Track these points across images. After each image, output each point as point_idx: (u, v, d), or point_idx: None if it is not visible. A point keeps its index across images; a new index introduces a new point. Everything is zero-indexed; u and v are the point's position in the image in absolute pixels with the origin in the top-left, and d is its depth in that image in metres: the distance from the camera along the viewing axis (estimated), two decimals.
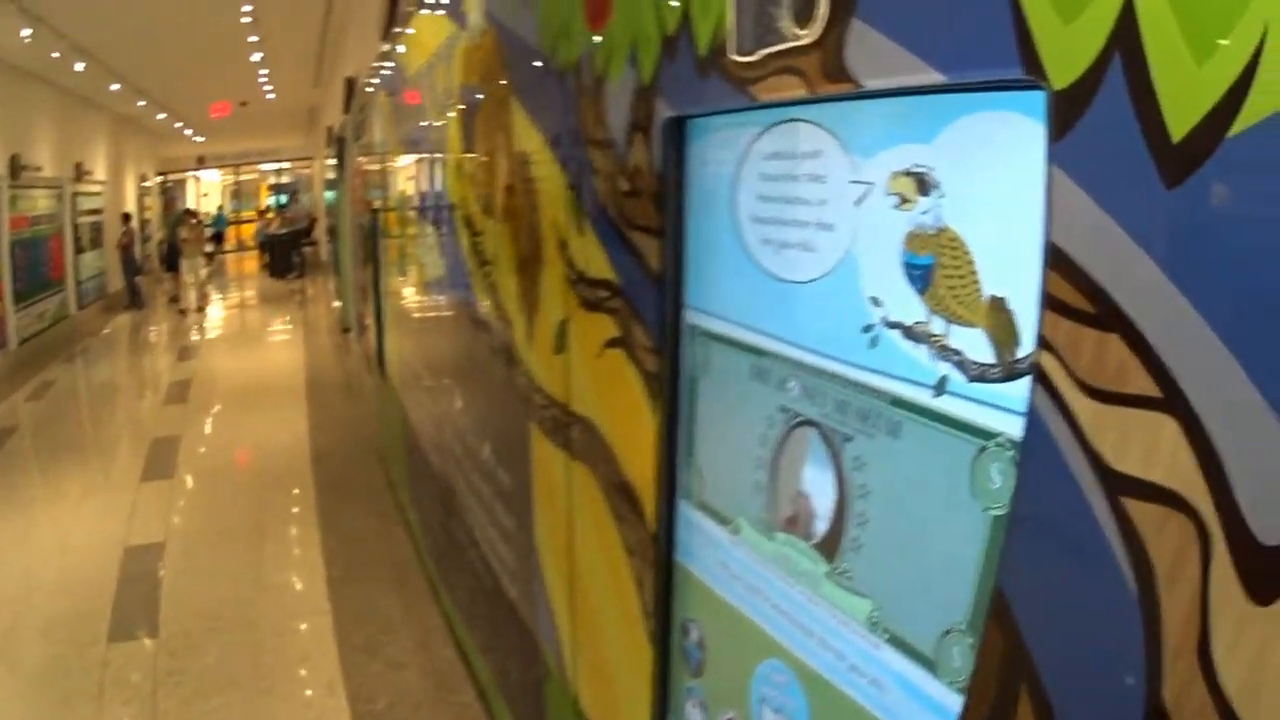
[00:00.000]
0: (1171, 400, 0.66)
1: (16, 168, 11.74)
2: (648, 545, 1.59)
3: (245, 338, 14.31)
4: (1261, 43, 0.59)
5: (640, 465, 1.60)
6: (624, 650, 1.77)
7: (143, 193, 22.82)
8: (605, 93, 1.67)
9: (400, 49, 4.56)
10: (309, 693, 3.65)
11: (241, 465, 7.21)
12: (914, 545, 1.01)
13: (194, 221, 18.73)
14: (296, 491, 6.15)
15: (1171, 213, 0.66)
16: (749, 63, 1.17)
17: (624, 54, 1.56)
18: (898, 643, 1.04)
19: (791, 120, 1.17)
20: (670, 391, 1.50)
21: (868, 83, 0.96)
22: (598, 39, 1.68)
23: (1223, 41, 0.62)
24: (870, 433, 1.05)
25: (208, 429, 8.38)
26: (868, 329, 1.04)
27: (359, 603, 4.33)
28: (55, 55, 11.14)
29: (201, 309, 16.22)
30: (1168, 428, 0.66)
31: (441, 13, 3.36)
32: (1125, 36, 0.69)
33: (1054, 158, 0.75)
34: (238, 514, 5.79)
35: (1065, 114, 0.74)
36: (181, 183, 29.65)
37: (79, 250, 15.20)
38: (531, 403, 2.26)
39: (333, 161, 13.08)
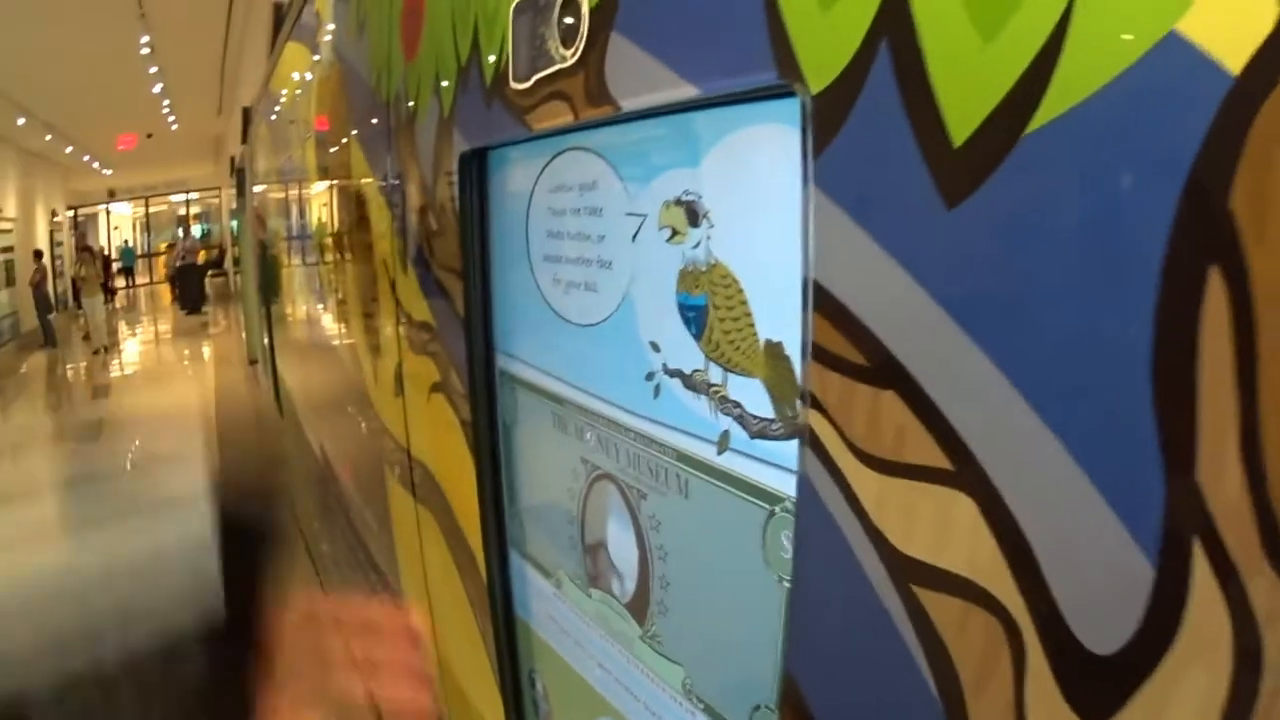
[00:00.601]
0: (964, 473, 0.46)
1: None
2: (483, 596, 1.37)
3: (158, 373, 13.39)
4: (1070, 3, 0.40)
5: (470, 516, 1.38)
6: (481, 699, 1.54)
7: (54, 229, 21.23)
8: (416, 126, 1.44)
9: (275, 81, 4.25)
10: None
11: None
12: (716, 613, 0.81)
13: (89, 257, 15.94)
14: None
15: (954, 238, 0.46)
16: (524, 90, 0.96)
17: (430, 85, 1.34)
18: (713, 715, 0.84)
19: (571, 149, 0.97)
20: (488, 439, 1.28)
21: (626, 103, 0.76)
22: (409, 66, 1.46)
23: (1017, 6, 0.42)
24: (662, 490, 0.85)
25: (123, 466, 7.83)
26: (649, 376, 0.84)
27: None
28: None
29: (108, 348, 14.37)
30: (962, 506, 0.47)
31: (302, 45, 3.09)
32: (892, 17, 0.49)
33: (813, 177, 0.55)
34: None
35: (825, 123, 0.55)
36: (93, 217, 27.73)
37: None
38: (383, 445, 2.02)
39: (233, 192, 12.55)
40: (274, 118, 4.27)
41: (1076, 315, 0.41)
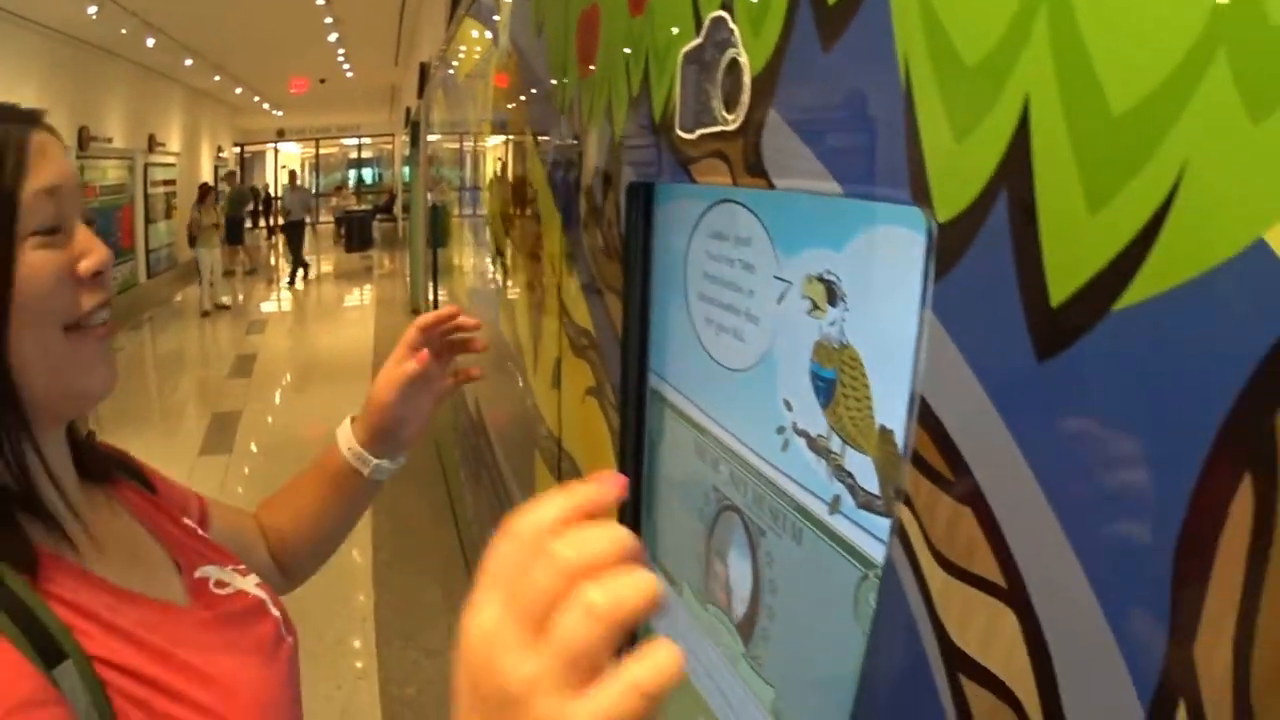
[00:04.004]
0: (1014, 593, 0.55)
1: (85, 139, 11.46)
2: None
3: (317, 312, 13.72)
4: (1174, 189, 0.45)
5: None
6: None
7: (219, 164, 21.17)
8: (588, 140, 1.56)
9: (455, 48, 4.47)
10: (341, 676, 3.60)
11: (299, 444, 6.82)
12: (809, 650, 0.90)
13: (208, 202, 13.29)
14: None
15: (1040, 390, 0.53)
16: (689, 139, 1.06)
17: (603, 104, 1.45)
18: None
19: (731, 201, 1.06)
20: (634, 449, 1.40)
21: (779, 182, 0.85)
22: (584, 83, 1.58)
23: (1125, 183, 0.47)
24: (779, 532, 0.95)
25: (270, 405, 8.13)
26: (780, 430, 0.93)
27: (402, 590, 4.25)
28: (124, 31, 10.91)
29: (221, 308, 12.87)
30: (1007, 620, 0.55)
31: (482, 25, 3.27)
32: (1016, 162, 0.55)
33: (931, 300, 0.63)
34: None
35: (946, 252, 0.62)
36: (260, 155, 28.40)
37: (149, 220, 14.55)
38: (535, 429, 2.18)
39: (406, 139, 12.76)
40: (451, 86, 4.48)
41: (1124, 483, 0.48)
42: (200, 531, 0.98)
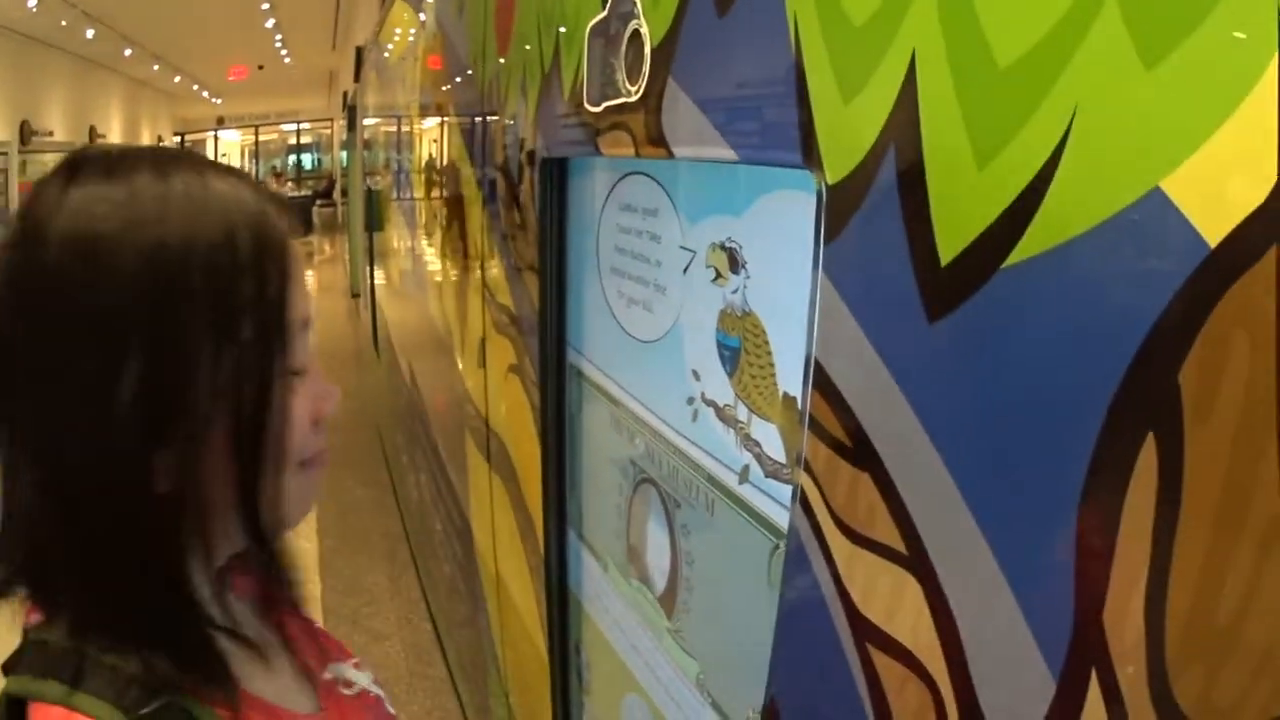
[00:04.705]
0: (915, 559, 0.53)
1: (27, 133, 11.18)
2: (539, 568, 1.48)
3: None
4: (1063, 141, 0.43)
5: (533, 492, 1.48)
6: (533, 660, 1.66)
7: None
8: (505, 120, 1.53)
9: (388, 31, 4.37)
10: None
11: None
12: (728, 621, 0.90)
13: None
14: None
15: (931, 350, 0.52)
16: (596, 113, 1.03)
17: (518, 83, 1.42)
18: (718, 709, 0.92)
19: (638, 173, 1.05)
20: (555, 425, 1.38)
21: (678, 151, 0.84)
22: (502, 62, 1.54)
23: (1012, 136, 0.46)
24: (693, 504, 0.94)
25: None
26: (690, 401, 0.92)
27: (348, 576, 4.20)
28: (64, 23, 10.60)
29: None
30: (910, 586, 0.54)
31: (412, 7, 3.20)
32: (903, 120, 0.53)
33: (823, 263, 0.62)
34: None
35: (836, 214, 0.61)
36: (201, 144, 27.34)
37: None
38: (465, 410, 2.15)
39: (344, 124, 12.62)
40: (384, 69, 4.40)
41: (1023, 443, 0.47)
42: (308, 616, 0.85)
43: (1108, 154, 0.42)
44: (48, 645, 0.63)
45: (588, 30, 1.05)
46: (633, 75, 0.92)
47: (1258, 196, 0.35)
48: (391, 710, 0.83)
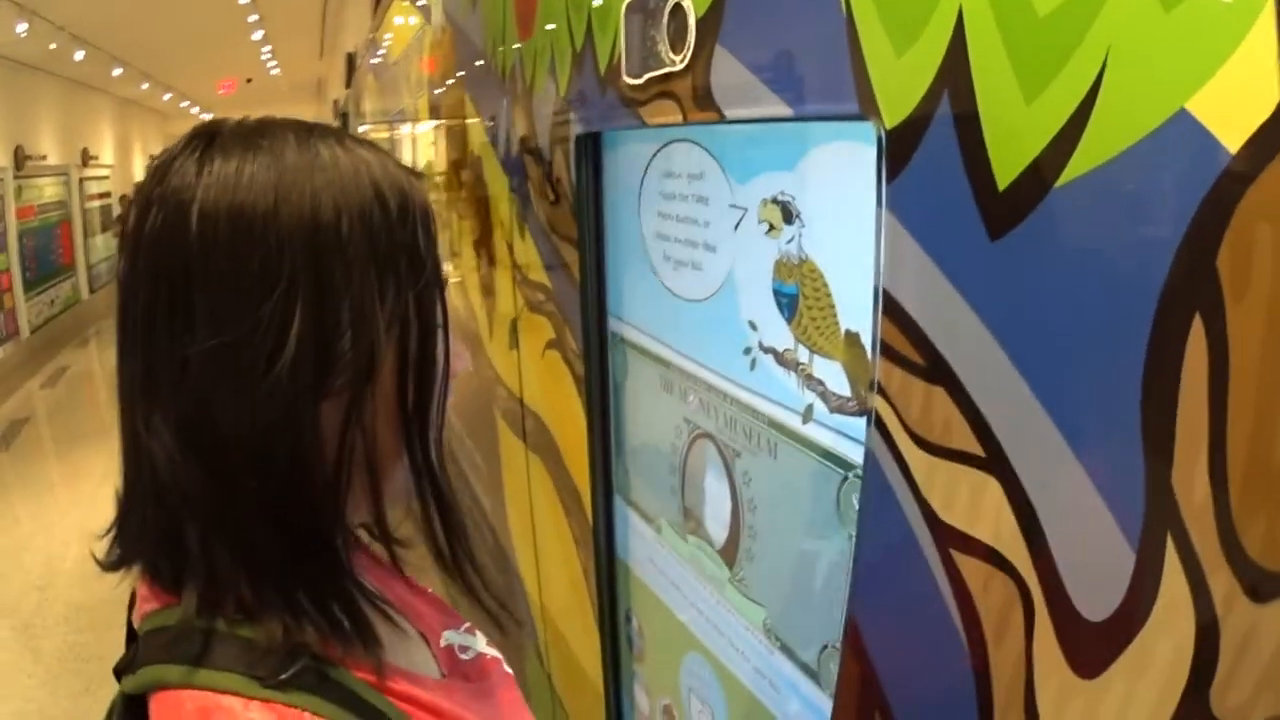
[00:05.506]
0: (994, 460, 0.58)
1: (21, 159, 11.07)
2: (588, 537, 1.53)
3: None
4: (1100, 76, 0.49)
5: (579, 463, 1.52)
6: (580, 634, 1.71)
7: None
8: (533, 102, 1.57)
9: (384, 33, 4.41)
10: None
11: None
12: (796, 561, 0.94)
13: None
14: None
15: (996, 267, 0.57)
16: (637, 85, 1.08)
17: (545, 64, 1.46)
18: (788, 651, 0.97)
19: (681, 140, 1.09)
20: (599, 395, 1.42)
21: (730, 112, 0.88)
22: (523, 46, 1.59)
23: (1055, 75, 0.52)
24: (755, 451, 0.98)
25: None
26: (747, 351, 0.96)
27: None
28: (53, 46, 10.49)
29: None
30: (990, 487, 0.58)
31: (411, 4, 3.23)
32: (954, 68, 0.59)
33: (886, 201, 0.66)
34: None
35: (896, 155, 0.65)
36: None
37: (88, 234, 14.16)
38: (496, 392, 2.19)
39: None
40: (381, 71, 4.43)
41: (1085, 340, 0.52)
42: (418, 583, 0.84)
43: (1138, 84, 0.48)
44: (166, 631, 0.61)
45: (623, 9, 1.09)
46: (676, 46, 0.96)
47: (1266, 110, 0.41)
48: (509, 670, 0.82)
